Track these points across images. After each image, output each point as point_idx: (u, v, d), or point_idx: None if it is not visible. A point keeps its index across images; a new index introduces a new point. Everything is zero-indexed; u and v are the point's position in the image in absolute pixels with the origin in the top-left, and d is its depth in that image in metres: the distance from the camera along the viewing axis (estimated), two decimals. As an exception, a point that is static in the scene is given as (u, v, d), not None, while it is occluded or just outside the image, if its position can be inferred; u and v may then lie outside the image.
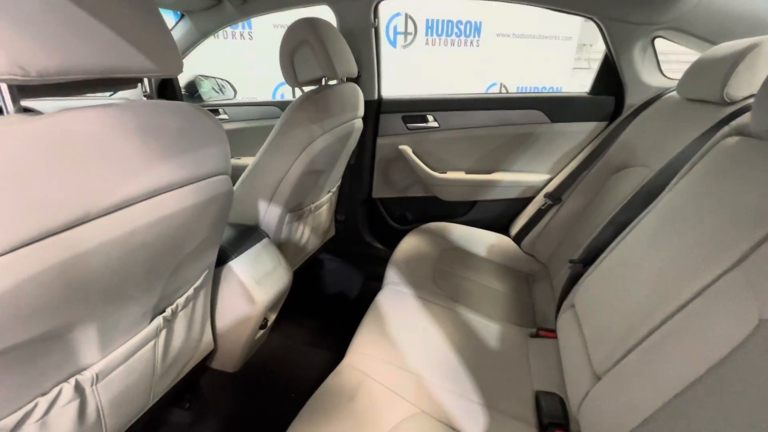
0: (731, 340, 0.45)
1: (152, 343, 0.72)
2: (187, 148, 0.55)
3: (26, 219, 0.38)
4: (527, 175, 1.55)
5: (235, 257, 0.99)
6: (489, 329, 1.02)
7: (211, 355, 1.07)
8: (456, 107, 1.54)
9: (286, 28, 1.09)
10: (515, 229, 1.49)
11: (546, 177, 1.52)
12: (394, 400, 0.78)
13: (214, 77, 2.14)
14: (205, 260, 0.79)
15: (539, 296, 1.23)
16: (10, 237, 0.37)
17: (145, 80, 0.54)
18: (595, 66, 1.43)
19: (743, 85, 0.84)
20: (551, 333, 1.01)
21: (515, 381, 0.87)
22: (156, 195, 0.51)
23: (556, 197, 1.34)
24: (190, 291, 0.79)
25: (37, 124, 0.39)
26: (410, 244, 1.36)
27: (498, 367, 0.91)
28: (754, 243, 0.48)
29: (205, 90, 2.07)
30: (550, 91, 4.63)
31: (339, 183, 1.58)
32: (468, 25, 4.37)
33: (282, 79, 1.11)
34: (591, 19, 1.28)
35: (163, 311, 0.72)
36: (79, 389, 0.58)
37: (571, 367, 0.78)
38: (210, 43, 1.71)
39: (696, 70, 0.98)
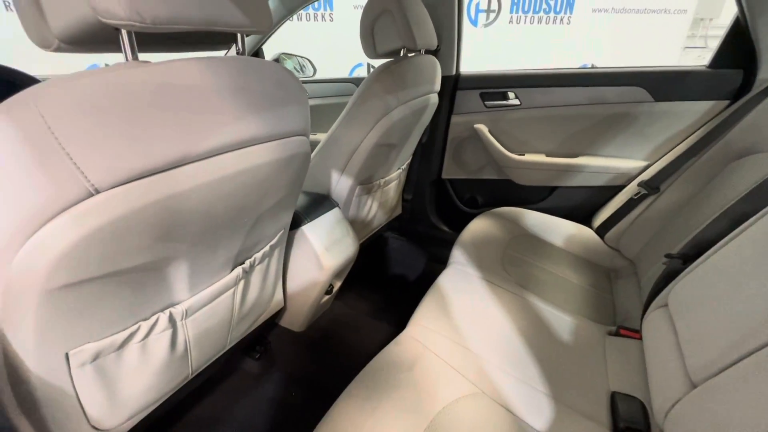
0: None
1: (232, 290, 0.78)
2: (273, 104, 0.58)
3: (134, 156, 0.42)
4: (618, 161, 1.39)
5: (308, 222, 1.04)
6: (561, 321, 0.95)
7: (280, 313, 1.15)
8: (541, 83, 1.42)
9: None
10: (599, 220, 1.35)
11: (641, 164, 1.35)
12: (453, 376, 0.76)
13: (296, 55, 2.23)
14: (282, 220, 0.84)
15: (622, 293, 1.11)
16: (121, 171, 0.42)
17: (239, 39, 0.57)
18: (713, 45, 1.21)
19: None
20: (634, 333, 0.90)
21: (588, 377, 0.80)
22: (243, 147, 0.55)
23: (653, 186, 1.19)
24: (267, 248, 0.84)
25: (149, 70, 0.43)
26: (479, 226, 1.30)
27: (569, 360, 0.84)
28: None
29: (288, 67, 2.17)
30: (653, 73, 4.07)
31: (409, 161, 1.57)
32: (559, 1, 3.99)
33: (358, 60, 1.11)
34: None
35: (243, 263, 0.78)
36: (171, 320, 0.66)
37: (659, 370, 0.70)
38: (294, 24, 1.78)
39: None
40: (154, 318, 0.62)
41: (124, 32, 0.42)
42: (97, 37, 0.43)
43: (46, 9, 0.41)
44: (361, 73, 3.99)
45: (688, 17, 4.08)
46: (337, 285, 1.22)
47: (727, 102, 1.19)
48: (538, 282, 1.09)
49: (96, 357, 0.57)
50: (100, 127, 0.39)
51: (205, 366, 0.85)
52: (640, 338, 0.87)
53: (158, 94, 0.43)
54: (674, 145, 1.28)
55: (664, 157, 1.27)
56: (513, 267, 1.13)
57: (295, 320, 1.16)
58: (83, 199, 0.40)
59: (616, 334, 0.92)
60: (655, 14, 4.06)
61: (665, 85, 1.27)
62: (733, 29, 1.16)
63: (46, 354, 0.50)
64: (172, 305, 0.65)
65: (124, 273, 0.51)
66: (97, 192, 0.41)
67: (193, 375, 0.81)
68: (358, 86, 1.14)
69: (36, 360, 0.50)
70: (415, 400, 0.71)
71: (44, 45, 0.44)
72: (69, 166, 0.38)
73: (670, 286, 0.81)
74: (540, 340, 0.87)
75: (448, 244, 1.25)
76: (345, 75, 4.07)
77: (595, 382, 0.79)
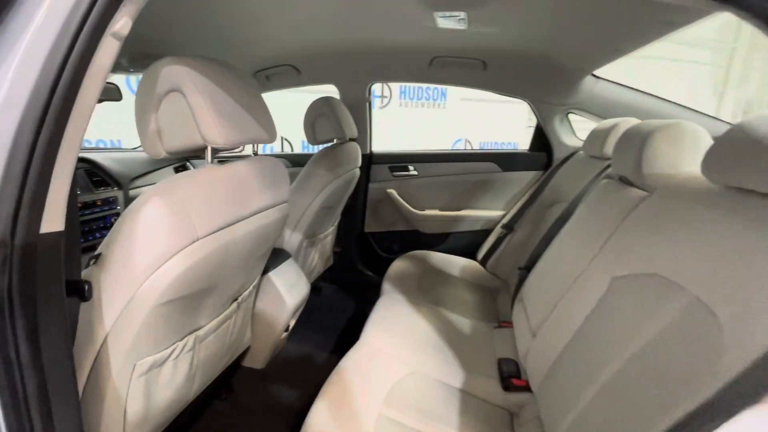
0: (597, 294, 0.81)
1: (228, 322, 1.00)
2: (275, 184, 0.91)
3: (216, 217, 0.71)
4: (487, 212, 1.97)
5: (273, 269, 1.30)
6: (464, 323, 1.36)
7: (244, 354, 1.33)
8: (431, 160, 1.98)
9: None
10: (481, 254, 1.87)
11: (501, 213, 1.95)
12: (397, 363, 1.08)
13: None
14: (262, 265, 1.11)
15: (501, 302, 1.59)
16: (211, 226, 0.70)
17: (255, 145, 0.90)
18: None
19: (612, 146, 1.30)
20: (508, 324, 1.35)
21: (484, 353, 1.20)
22: (263, 210, 0.85)
23: (510, 227, 1.75)
24: (251, 287, 1.09)
25: (223, 168, 0.74)
26: (399, 266, 1.70)
27: (472, 345, 1.24)
28: (602, 243, 0.88)
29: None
30: (508, 145, 5.39)
31: (339, 219, 1.94)
32: (435, 91, 5.09)
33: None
34: (524, 99, 1.79)
35: (237, 298, 1.02)
36: (194, 342, 0.87)
37: (520, 335, 1.13)
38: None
39: (592, 136, 1.45)
40: (185, 339, 0.83)
41: (209, 148, 0.73)
42: (190, 150, 0.73)
43: (165, 137, 0.70)
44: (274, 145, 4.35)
45: (525, 106, 5.54)
46: (292, 323, 1.46)
47: (542, 172, 1.87)
48: (446, 300, 1.51)
49: (149, 369, 0.76)
50: (206, 201, 0.68)
51: (195, 396, 1.01)
52: (512, 326, 1.32)
53: (228, 182, 0.74)
54: (518, 199, 1.91)
55: (513, 208, 1.88)
56: (427, 292, 1.54)
57: (258, 357, 1.35)
58: (190, 244, 0.67)
59: (498, 326, 1.36)
60: (503, 103, 5.42)
61: (507, 161, 1.93)
62: (538, 128, 1.88)
63: (128, 361, 0.69)
64: (197, 329, 0.87)
65: (188, 296, 0.74)
66: (198, 239, 0.68)
67: (191, 400, 0.98)
68: (288, 160, 1.47)
69: (120, 366, 0.69)
70: (375, 382, 1.00)
71: (154, 154, 0.71)
72: (189, 225, 0.65)
73: (522, 286, 1.30)
74: (451, 336, 1.26)
75: (372, 287, 1.60)
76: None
77: (488, 355, 1.19)
